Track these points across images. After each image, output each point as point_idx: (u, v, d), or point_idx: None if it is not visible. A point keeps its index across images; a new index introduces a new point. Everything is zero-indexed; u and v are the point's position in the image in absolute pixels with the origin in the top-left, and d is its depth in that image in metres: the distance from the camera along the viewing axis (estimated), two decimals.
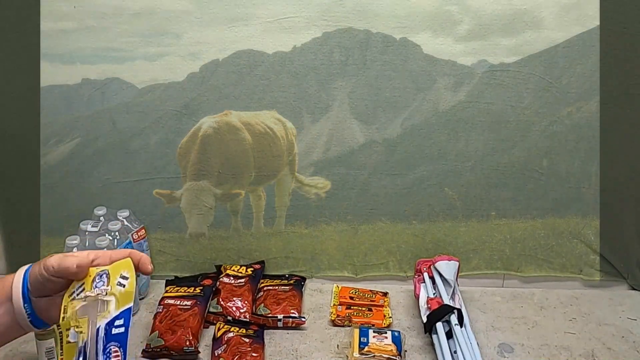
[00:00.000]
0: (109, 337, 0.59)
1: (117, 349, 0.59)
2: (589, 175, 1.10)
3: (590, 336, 1.01)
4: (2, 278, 0.66)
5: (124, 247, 1.02)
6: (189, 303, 0.99)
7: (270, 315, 1.01)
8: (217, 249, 1.16)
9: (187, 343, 0.93)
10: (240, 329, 0.96)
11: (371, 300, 1.07)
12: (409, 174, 1.11)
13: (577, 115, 1.06)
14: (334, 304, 1.07)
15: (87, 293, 0.62)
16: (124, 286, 0.62)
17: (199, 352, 0.94)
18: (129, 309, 0.61)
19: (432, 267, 1.06)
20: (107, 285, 0.62)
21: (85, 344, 0.59)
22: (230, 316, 1.01)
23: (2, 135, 1.09)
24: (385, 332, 0.95)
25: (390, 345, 0.92)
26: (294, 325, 1.02)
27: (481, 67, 1.03)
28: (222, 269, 1.13)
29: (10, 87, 1.05)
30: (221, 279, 1.08)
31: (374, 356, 0.90)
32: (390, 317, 1.04)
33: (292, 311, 1.02)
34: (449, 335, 0.92)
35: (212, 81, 1.05)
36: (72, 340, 0.60)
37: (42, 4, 1.00)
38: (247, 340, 0.93)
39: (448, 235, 1.14)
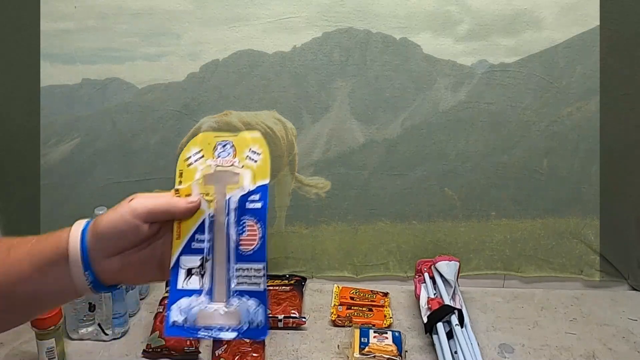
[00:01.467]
0: (242, 210, 0.53)
1: (252, 223, 0.53)
2: (589, 175, 1.10)
3: (590, 337, 1.01)
4: (52, 234, 0.54)
5: None
6: None
7: (270, 315, 1.01)
8: None
9: (188, 343, 0.93)
10: None
11: (372, 301, 1.07)
12: (409, 174, 1.11)
13: (577, 115, 1.06)
14: (335, 304, 1.07)
15: (211, 162, 0.55)
16: (256, 161, 0.56)
17: (200, 352, 0.94)
18: (266, 185, 0.54)
19: (432, 267, 1.06)
20: (234, 157, 0.56)
21: (211, 214, 0.53)
22: None
23: (2, 135, 1.09)
24: (386, 333, 0.95)
25: (390, 345, 0.92)
26: (294, 325, 1.02)
27: (481, 67, 1.03)
28: None
29: (10, 87, 1.05)
30: None
31: (374, 356, 0.90)
32: (390, 318, 1.04)
33: (292, 311, 1.02)
34: (450, 335, 0.92)
35: (212, 81, 1.05)
36: (200, 208, 0.54)
37: (42, 4, 1.00)
38: (247, 340, 0.93)
39: (448, 235, 1.14)
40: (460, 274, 1.07)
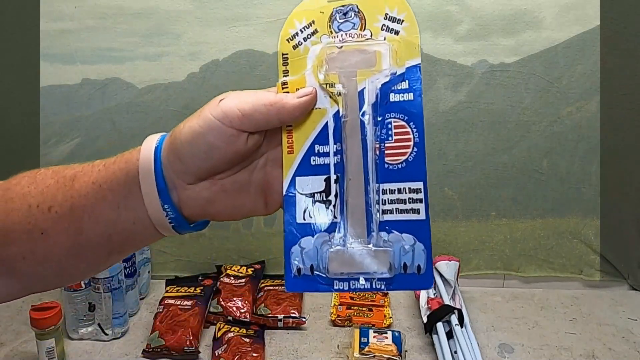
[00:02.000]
0: (385, 105, 0.38)
1: (402, 122, 0.38)
2: (589, 175, 1.10)
3: (590, 336, 1.01)
4: (122, 155, 0.42)
5: None
6: (189, 303, 0.99)
7: (270, 315, 1.01)
8: (217, 249, 1.16)
9: (188, 343, 0.93)
10: (240, 329, 0.96)
11: (371, 301, 1.07)
12: None
13: (577, 115, 1.06)
14: (335, 304, 1.07)
15: (329, 39, 0.39)
16: (398, 33, 0.39)
17: (200, 352, 0.94)
18: (418, 66, 0.38)
19: (432, 267, 1.06)
20: (363, 30, 0.39)
21: (338, 115, 0.39)
22: (230, 316, 1.01)
23: (2, 135, 1.09)
24: (386, 332, 0.95)
25: (390, 345, 0.92)
26: (294, 325, 1.02)
27: (481, 67, 1.03)
28: (222, 269, 1.13)
29: (10, 87, 1.05)
30: (221, 279, 1.08)
31: (374, 356, 0.90)
32: (390, 317, 1.04)
33: (292, 311, 1.02)
34: (450, 335, 0.92)
35: (212, 81, 1.05)
36: (320, 106, 0.39)
37: (42, 4, 1.00)
38: (247, 340, 0.93)
39: (448, 235, 1.14)
40: (460, 274, 1.07)
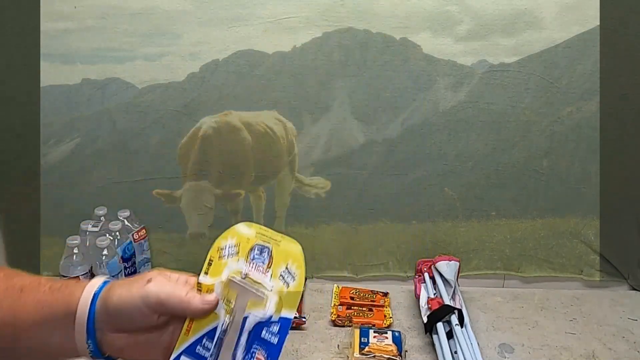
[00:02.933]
0: (256, 337, 0.49)
1: (262, 357, 0.49)
2: (589, 175, 1.10)
3: (590, 336, 1.01)
4: (65, 286, 0.51)
5: (125, 248, 1.02)
6: None
7: None
8: None
9: None
10: None
11: (371, 301, 1.07)
12: (409, 174, 1.11)
13: (577, 115, 1.06)
14: (335, 304, 1.07)
15: (242, 264, 0.52)
16: (288, 285, 0.51)
17: None
18: (290, 319, 0.50)
19: (432, 267, 1.06)
20: (268, 269, 0.52)
21: (224, 324, 0.50)
22: None
23: (2, 135, 1.09)
24: (386, 332, 0.95)
25: (390, 345, 0.92)
26: (294, 325, 1.02)
27: (481, 67, 1.03)
28: None
29: (10, 87, 1.05)
30: None
31: (374, 356, 0.90)
32: (390, 317, 1.04)
33: None
34: (450, 335, 0.92)
35: (212, 81, 1.05)
36: (217, 312, 0.50)
37: (42, 4, 1.00)
38: None
39: (448, 235, 1.14)
40: (460, 274, 1.07)
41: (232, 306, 0.50)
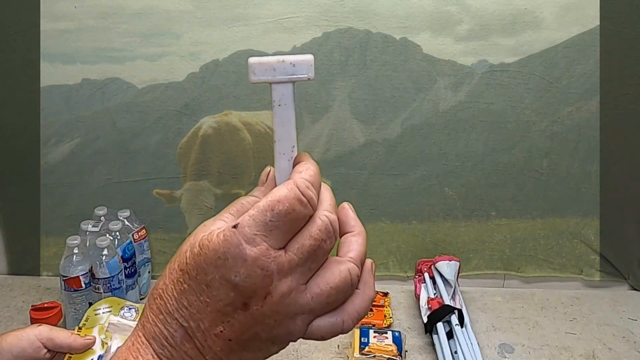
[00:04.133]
0: None
1: None
2: (589, 175, 1.10)
3: (591, 336, 1.01)
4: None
5: (125, 248, 1.02)
6: None
7: None
8: None
9: None
10: None
11: None
12: (409, 174, 1.10)
13: (577, 115, 1.06)
14: None
15: (114, 317, 0.71)
16: None
17: None
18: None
19: (432, 267, 1.06)
20: (135, 319, 0.68)
21: (100, 356, 0.65)
22: None
23: (2, 135, 1.09)
24: (386, 332, 0.95)
25: (390, 345, 0.92)
26: None
27: (481, 67, 1.03)
28: None
29: (10, 87, 1.05)
30: None
31: (374, 356, 0.90)
32: (390, 317, 1.04)
33: None
34: (450, 335, 0.92)
35: (212, 81, 1.05)
36: (94, 348, 0.66)
37: (42, 4, 1.00)
38: None
39: (448, 235, 1.14)
40: (460, 274, 1.07)
41: (108, 342, 0.66)
